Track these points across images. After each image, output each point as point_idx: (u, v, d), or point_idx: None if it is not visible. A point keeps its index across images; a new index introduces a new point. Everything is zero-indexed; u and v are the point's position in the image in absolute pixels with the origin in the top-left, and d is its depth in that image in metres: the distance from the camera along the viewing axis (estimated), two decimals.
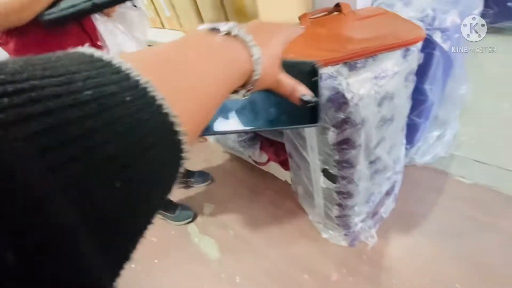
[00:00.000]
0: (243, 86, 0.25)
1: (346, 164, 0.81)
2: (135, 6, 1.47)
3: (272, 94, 0.31)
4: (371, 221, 1.12)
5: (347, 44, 0.76)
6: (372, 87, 0.69)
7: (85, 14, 0.74)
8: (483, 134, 1.36)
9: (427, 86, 1.00)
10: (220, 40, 0.23)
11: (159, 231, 1.37)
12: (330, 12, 0.96)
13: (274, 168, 1.43)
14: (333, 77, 0.68)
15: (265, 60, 0.25)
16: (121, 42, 0.82)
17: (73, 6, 0.67)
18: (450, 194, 1.17)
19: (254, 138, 1.42)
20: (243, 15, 0.97)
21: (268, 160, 1.43)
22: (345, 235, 1.11)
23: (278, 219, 1.27)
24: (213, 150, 1.74)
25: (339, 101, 0.66)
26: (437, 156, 1.30)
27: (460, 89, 1.21)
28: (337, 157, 0.80)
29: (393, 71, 0.73)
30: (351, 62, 0.74)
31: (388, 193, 1.18)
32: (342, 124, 0.71)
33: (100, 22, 0.74)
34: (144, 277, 1.20)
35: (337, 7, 0.93)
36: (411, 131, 1.16)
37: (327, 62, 0.74)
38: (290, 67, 0.32)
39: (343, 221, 1.05)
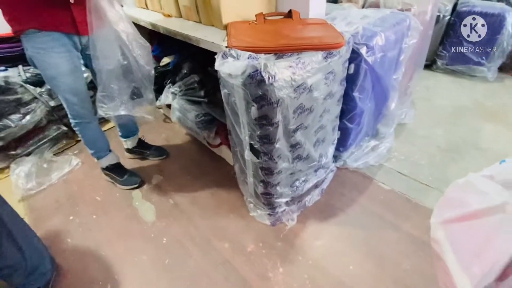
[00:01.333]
0: None
1: (266, 140, 0.94)
2: None
3: None
4: (295, 206, 1.25)
5: (281, 40, 0.91)
6: (289, 74, 0.83)
7: None
8: (412, 152, 1.53)
9: (356, 94, 1.16)
10: None
11: (105, 191, 1.44)
12: (285, 16, 1.11)
13: (225, 152, 1.55)
14: (255, 58, 0.81)
15: None
16: None
17: None
18: (370, 195, 1.31)
19: (212, 121, 1.54)
20: (208, 4, 1.11)
21: (220, 144, 1.55)
22: (269, 214, 1.22)
23: (216, 196, 1.37)
24: (175, 131, 1.85)
25: (257, 78, 0.79)
26: (367, 164, 1.45)
27: (391, 107, 1.38)
28: (258, 132, 0.93)
29: (312, 67, 0.87)
30: (280, 54, 0.89)
31: (316, 186, 1.31)
32: (260, 100, 0.84)
33: None
34: (78, 228, 1.27)
35: (290, 13, 1.08)
36: (344, 135, 1.31)
37: (261, 50, 0.88)
38: None
39: (267, 200, 1.17)
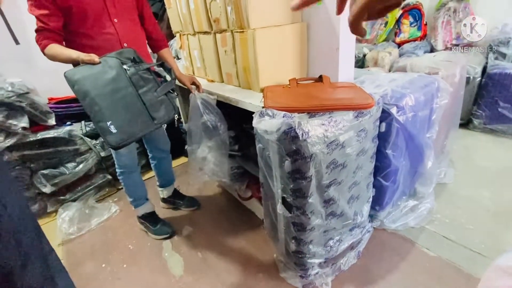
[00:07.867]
0: None
1: (299, 193, 0.95)
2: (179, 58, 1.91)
3: None
4: (329, 269, 1.16)
5: (313, 101, 0.99)
6: (322, 131, 0.88)
7: None
8: (457, 215, 1.41)
9: (389, 151, 1.16)
10: None
11: (137, 240, 1.47)
12: (316, 80, 1.22)
13: (255, 205, 1.55)
14: (289, 117, 0.88)
15: None
16: None
17: None
18: (412, 262, 1.19)
19: (243, 174, 1.59)
20: (248, 71, 1.26)
21: (251, 196, 1.56)
22: (301, 277, 1.14)
23: (245, 252, 1.33)
24: (208, 183, 1.91)
25: (292, 134, 0.85)
26: (407, 225, 1.35)
27: (427, 165, 1.34)
28: (291, 186, 0.95)
29: (343, 125, 0.92)
30: (312, 113, 0.96)
31: (352, 248, 1.23)
32: (294, 154, 0.88)
33: None
34: (108, 276, 1.28)
35: (320, 78, 1.19)
36: (379, 192, 1.27)
37: (295, 109, 0.96)
38: None
39: (299, 260, 1.11)
